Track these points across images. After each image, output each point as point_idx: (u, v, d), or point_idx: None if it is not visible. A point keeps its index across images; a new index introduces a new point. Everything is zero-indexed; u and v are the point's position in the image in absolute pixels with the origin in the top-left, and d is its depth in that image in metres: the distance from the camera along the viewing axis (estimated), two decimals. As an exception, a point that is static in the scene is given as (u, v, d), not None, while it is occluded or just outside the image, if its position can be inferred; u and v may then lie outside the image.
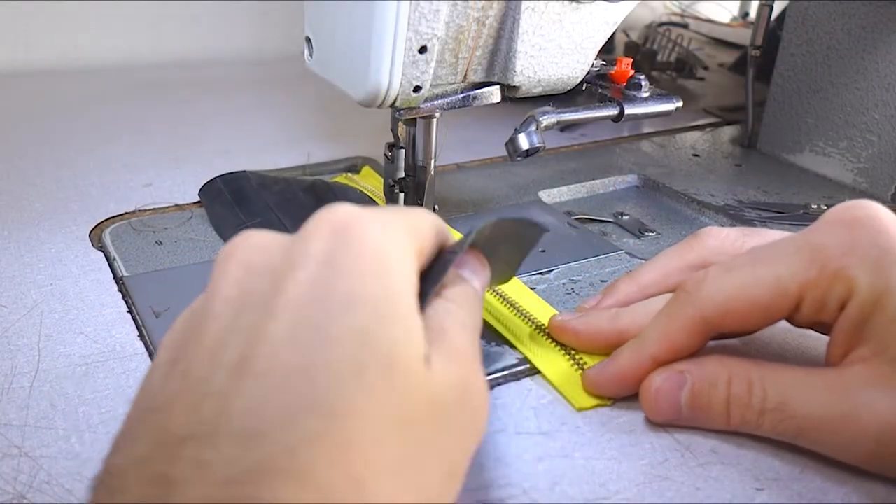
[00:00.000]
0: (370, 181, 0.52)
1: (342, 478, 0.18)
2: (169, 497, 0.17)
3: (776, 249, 0.29)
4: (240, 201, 0.47)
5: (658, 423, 0.30)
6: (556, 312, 0.36)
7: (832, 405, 0.27)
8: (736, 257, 0.30)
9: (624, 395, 0.31)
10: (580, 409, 0.31)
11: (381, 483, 0.19)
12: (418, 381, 0.21)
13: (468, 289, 0.27)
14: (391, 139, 0.41)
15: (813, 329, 0.30)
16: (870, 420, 0.26)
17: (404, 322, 0.22)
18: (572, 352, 0.33)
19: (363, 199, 0.48)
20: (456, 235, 0.41)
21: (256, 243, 0.23)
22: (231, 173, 0.49)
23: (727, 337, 0.31)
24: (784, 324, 0.30)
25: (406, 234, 0.24)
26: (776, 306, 0.28)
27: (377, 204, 0.47)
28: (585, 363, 0.33)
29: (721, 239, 0.34)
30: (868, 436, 0.26)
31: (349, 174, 0.54)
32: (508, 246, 0.31)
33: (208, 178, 0.50)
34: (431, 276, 0.25)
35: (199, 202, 0.48)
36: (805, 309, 0.28)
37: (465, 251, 0.28)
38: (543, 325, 0.35)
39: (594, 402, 0.31)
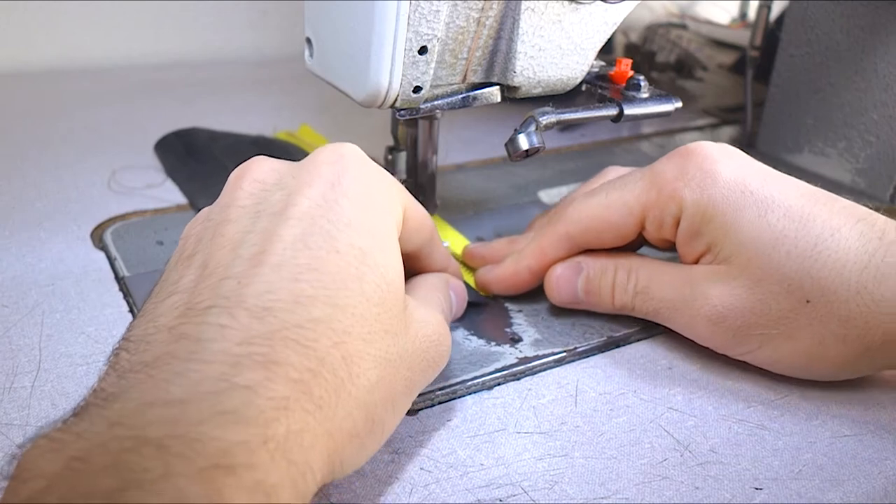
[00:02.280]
0: (309, 138, 0.57)
1: (337, 355, 0.22)
2: (195, 352, 0.20)
3: (627, 178, 0.35)
4: (191, 152, 0.53)
5: (559, 306, 0.37)
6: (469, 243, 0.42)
7: (679, 291, 0.33)
8: (599, 185, 0.36)
9: (506, 294, 0.39)
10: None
11: (364, 369, 0.23)
12: (401, 304, 0.25)
13: (447, 298, 0.33)
14: (391, 140, 0.41)
15: (667, 249, 0.36)
16: (703, 304, 0.32)
17: (394, 256, 0.26)
18: None
19: (302, 155, 0.49)
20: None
21: (268, 166, 0.27)
22: (184, 129, 0.56)
23: (591, 250, 0.37)
24: None
25: (398, 189, 0.29)
26: (624, 224, 0.35)
27: None
28: None
29: (619, 173, 0.39)
30: (702, 316, 0.33)
31: (290, 130, 0.59)
32: None
33: (209, 179, 0.50)
34: None
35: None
36: (649, 226, 0.34)
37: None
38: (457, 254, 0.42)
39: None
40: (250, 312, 0.21)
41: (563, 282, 0.36)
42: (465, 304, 0.36)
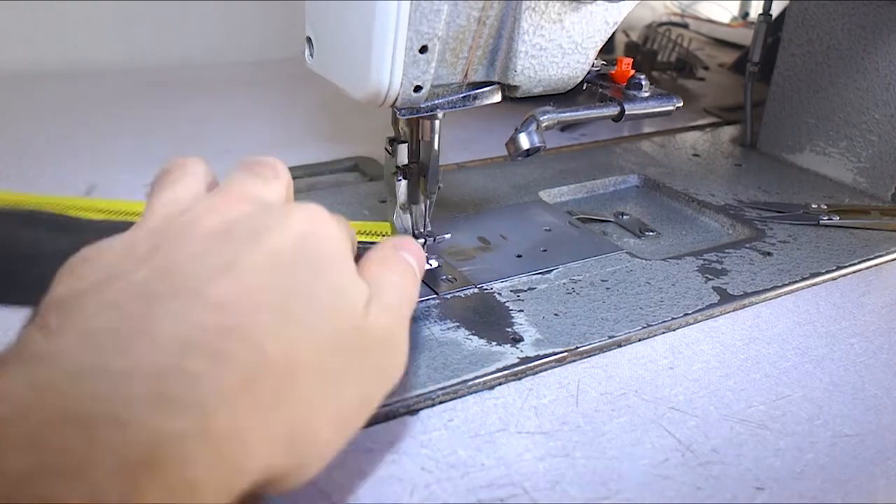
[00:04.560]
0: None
1: (282, 360, 0.22)
2: (142, 330, 0.20)
3: None
4: None
5: None
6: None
7: None
8: None
9: None
10: None
11: (308, 377, 0.22)
12: (355, 316, 0.25)
13: (405, 264, 0.30)
14: (391, 136, 0.41)
15: None
16: None
17: (351, 275, 0.26)
18: None
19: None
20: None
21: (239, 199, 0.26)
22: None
23: None
24: None
25: (346, 231, 0.28)
26: None
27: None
28: None
29: None
30: None
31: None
32: None
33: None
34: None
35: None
36: None
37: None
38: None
39: None
40: (206, 305, 0.21)
41: None
42: (423, 261, 0.32)
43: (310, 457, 0.23)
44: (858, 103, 0.54)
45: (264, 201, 0.26)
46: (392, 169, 0.41)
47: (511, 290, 0.40)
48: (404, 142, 0.40)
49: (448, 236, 0.42)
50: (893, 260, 0.46)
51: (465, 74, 0.35)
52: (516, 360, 0.34)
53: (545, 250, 0.44)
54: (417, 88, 0.33)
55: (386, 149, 0.41)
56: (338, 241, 0.26)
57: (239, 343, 0.21)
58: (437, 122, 0.39)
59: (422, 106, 0.35)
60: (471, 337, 0.36)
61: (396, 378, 0.27)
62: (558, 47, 0.35)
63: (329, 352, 0.23)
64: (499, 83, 0.36)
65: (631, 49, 0.81)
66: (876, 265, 0.45)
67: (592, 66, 0.38)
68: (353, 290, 0.26)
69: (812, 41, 0.56)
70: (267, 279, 0.23)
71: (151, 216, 0.25)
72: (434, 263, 0.41)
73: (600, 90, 0.38)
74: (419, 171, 0.40)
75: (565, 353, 0.35)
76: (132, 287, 0.22)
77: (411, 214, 0.41)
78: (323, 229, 0.26)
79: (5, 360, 0.19)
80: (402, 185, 0.40)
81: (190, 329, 0.20)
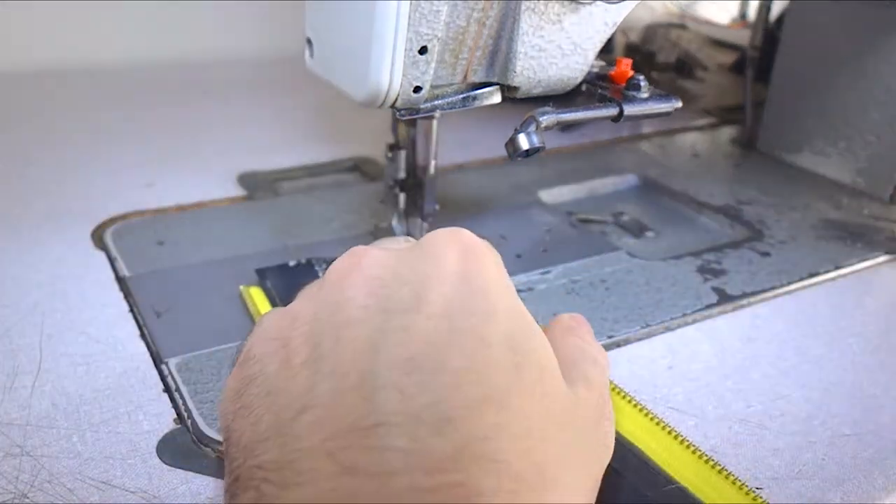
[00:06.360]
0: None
1: (529, 465, 0.19)
2: (379, 491, 0.17)
3: None
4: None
5: None
6: None
7: None
8: None
9: None
10: None
11: (557, 473, 0.20)
12: (563, 387, 0.22)
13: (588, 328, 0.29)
14: (391, 139, 0.41)
15: None
16: None
17: (539, 334, 0.23)
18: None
19: None
20: None
21: (380, 261, 0.24)
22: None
23: None
24: None
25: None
26: None
27: None
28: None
29: None
30: None
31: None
32: None
33: (210, 178, 0.50)
34: None
35: (199, 203, 0.48)
36: None
37: None
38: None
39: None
40: (428, 428, 0.18)
41: None
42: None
43: None
44: (857, 104, 0.54)
45: (405, 260, 0.24)
46: (390, 182, 0.41)
47: (510, 291, 0.40)
48: (404, 148, 0.40)
49: None
50: (892, 260, 0.46)
51: (465, 75, 0.35)
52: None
53: (545, 250, 0.44)
54: (417, 89, 0.33)
55: (386, 155, 0.41)
56: (503, 277, 0.24)
57: (480, 467, 0.18)
58: (433, 130, 0.39)
59: (421, 107, 0.35)
60: (470, 337, 0.36)
61: (609, 456, 0.24)
62: (558, 48, 0.35)
63: (557, 430, 0.21)
64: (498, 84, 0.36)
65: (630, 50, 0.81)
66: (875, 265, 0.45)
67: (592, 66, 0.38)
68: (545, 346, 0.23)
69: (811, 41, 0.56)
70: (457, 362, 0.20)
71: (288, 320, 0.23)
72: None
73: (599, 91, 0.38)
74: (417, 186, 0.40)
75: (564, 353, 0.35)
76: (326, 415, 0.19)
77: (408, 224, 0.41)
78: (478, 258, 0.23)
79: None
80: (402, 198, 0.40)
81: (425, 474, 0.18)
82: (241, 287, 0.39)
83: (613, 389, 0.32)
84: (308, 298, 0.24)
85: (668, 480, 0.27)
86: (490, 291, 0.22)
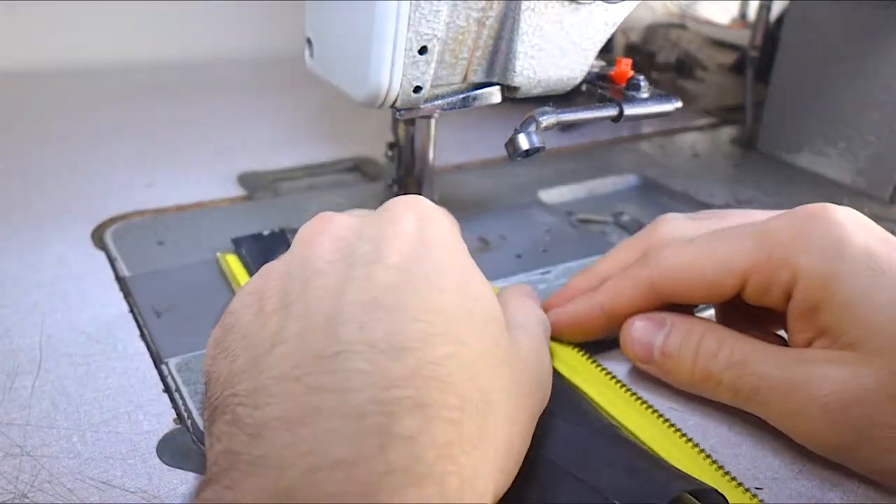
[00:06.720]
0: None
1: (475, 390, 0.21)
2: (343, 404, 0.19)
3: (734, 231, 0.30)
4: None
5: (633, 361, 0.33)
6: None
7: (788, 369, 0.28)
8: (700, 235, 0.31)
9: (580, 341, 0.34)
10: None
11: (499, 400, 0.22)
12: (507, 334, 0.25)
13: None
14: (391, 139, 0.41)
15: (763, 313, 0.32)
16: (819, 387, 0.27)
17: (488, 288, 0.26)
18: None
19: None
20: None
21: (345, 223, 0.27)
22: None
23: (677, 305, 0.32)
24: None
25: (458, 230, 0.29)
26: (720, 283, 0.30)
27: None
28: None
29: (675, 225, 0.34)
30: (815, 402, 0.27)
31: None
32: None
33: (210, 178, 0.50)
34: None
35: (199, 203, 0.48)
36: (750, 290, 0.30)
37: None
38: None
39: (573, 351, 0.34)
40: (385, 354, 0.21)
41: (641, 335, 0.32)
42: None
43: (510, 477, 0.23)
44: (857, 104, 0.54)
45: (368, 222, 0.27)
46: (390, 181, 0.41)
47: (510, 291, 0.40)
48: (403, 148, 0.40)
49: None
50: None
51: (465, 75, 0.35)
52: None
53: (545, 250, 0.44)
54: (417, 89, 0.33)
55: (386, 154, 0.41)
56: (455, 236, 0.27)
57: (430, 386, 0.20)
58: (431, 131, 0.39)
59: (421, 107, 0.35)
60: (470, 337, 0.36)
61: (548, 388, 0.28)
62: (558, 48, 0.35)
63: (499, 367, 0.24)
64: (498, 84, 0.36)
65: (630, 50, 0.81)
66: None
67: (592, 66, 0.38)
68: (492, 298, 0.26)
69: (811, 41, 0.56)
70: (415, 302, 0.23)
71: (264, 277, 0.26)
72: None
73: (599, 91, 0.38)
74: (416, 186, 0.41)
75: (565, 353, 0.35)
76: (295, 349, 0.22)
77: None
78: (433, 221, 0.27)
79: (225, 468, 0.19)
80: None
81: (382, 389, 0.20)
82: (218, 254, 0.41)
83: (617, 384, 0.32)
84: (281, 259, 0.27)
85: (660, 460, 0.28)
86: (444, 248, 0.26)
